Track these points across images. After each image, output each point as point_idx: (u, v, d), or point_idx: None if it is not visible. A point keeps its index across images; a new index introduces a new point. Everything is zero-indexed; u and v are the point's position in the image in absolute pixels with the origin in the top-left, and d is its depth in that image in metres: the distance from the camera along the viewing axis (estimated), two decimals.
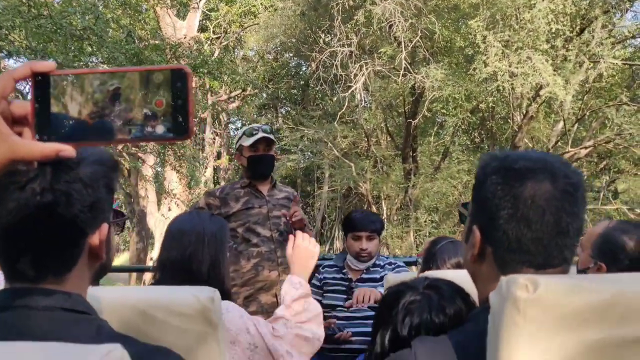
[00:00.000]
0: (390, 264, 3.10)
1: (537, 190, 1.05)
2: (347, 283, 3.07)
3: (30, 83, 0.72)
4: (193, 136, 0.76)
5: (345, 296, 3.05)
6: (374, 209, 17.48)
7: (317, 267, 3.42)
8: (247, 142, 3.06)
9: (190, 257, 1.85)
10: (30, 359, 0.69)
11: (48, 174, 0.87)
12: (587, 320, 0.84)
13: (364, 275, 3.06)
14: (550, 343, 0.83)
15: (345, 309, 2.98)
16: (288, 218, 3.00)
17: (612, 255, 1.79)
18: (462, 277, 1.35)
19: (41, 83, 0.72)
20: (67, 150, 0.70)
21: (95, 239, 0.96)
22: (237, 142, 3.20)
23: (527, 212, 1.05)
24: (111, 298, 1.31)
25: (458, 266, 2.00)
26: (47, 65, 0.71)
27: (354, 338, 2.91)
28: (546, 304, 0.83)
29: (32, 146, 0.69)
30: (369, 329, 1.45)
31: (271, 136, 3.09)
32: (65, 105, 0.71)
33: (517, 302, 0.83)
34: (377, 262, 3.09)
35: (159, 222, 13.18)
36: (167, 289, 1.53)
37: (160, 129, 0.71)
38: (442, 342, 1.06)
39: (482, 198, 1.12)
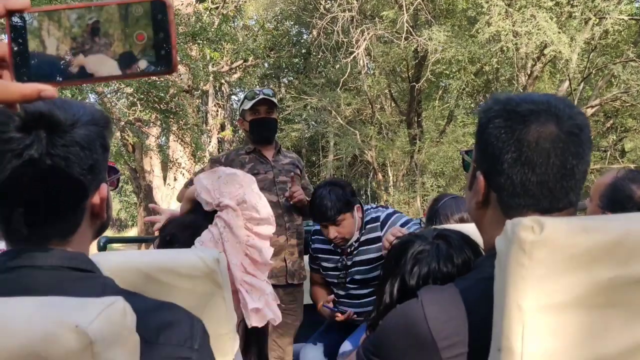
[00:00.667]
0: (380, 215, 2.86)
1: (542, 133, 1.02)
2: (338, 257, 2.95)
3: (5, 22, 0.70)
4: (177, 71, 0.74)
5: (338, 273, 2.95)
6: (379, 176, 17.49)
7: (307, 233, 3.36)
8: (248, 105, 3.03)
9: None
10: (33, 312, 0.68)
11: (44, 139, 0.86)
12: (594, 260, 0.82)
13: (354, 251, 2.89)
14: (558, 284, 0.82)
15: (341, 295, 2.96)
16: (288, 197, 2.98)
17: (620, 205, 1.77)
18: (467, 231, 1.34)
19: (17, 22, 0.69)
20: (48, 90, 0.67)
21: (95, 199, 0.96)
22: (240, 107, 3.17)
23: (531, 155, 1.03)
24: (116, 262, 1.30)
25: (461, 221, 1.98)
26: (21, 2, 0.69)
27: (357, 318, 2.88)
28: (553, 245, 0.81)
29: (11, 87, 0.67)
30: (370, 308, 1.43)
31: (272, 98, 3.05)
32: (44, 43, 0.69)
33: (523, 244, 0.82)
34: (367, 222, 2.87)
35: (165, 196, 13.23)
36: (172, 251, 1.53)
37: (143, 64, 0.69)
38: (449, 289, 1.05)
39: (485, 143, 1.09)
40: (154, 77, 9.69)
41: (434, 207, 2.15)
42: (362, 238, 2.87)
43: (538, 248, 0.81)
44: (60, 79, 0.69)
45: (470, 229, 1.29)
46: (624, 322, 0.84)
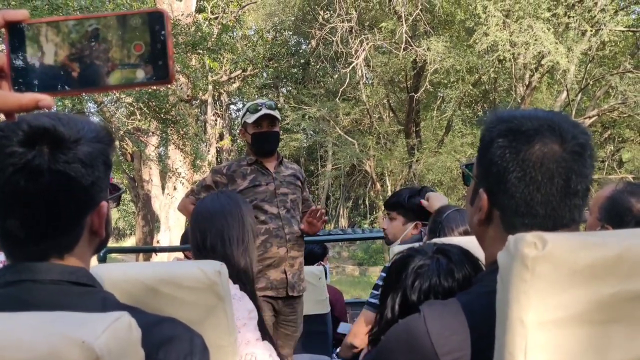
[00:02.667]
0: None
1: (546, 153, 1.03)
2: None
3: (4, 33, 0.71)
4: (174, 81, 0.74)
5: None
6: (378, 186, 17.51)
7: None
8: (251, 118, 3.03)
9: (226, 239, 1.90)
10: (39, 327, 0.68)
11: (46, 155, 0.86)
12: (596, 275, 0.83)
13: None
14: (560, 299, 0.82)
15: None
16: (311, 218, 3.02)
17: (619, 218, 1.77)
18: (470, 244, 1.34)
19: (15, 32, 0.70)
20: (46, 99, 0.67)
21: (95, 217, 0.96)
22: (242, 118, 3.17)
23: (536, 175, 1.03)
24: (117, 274, 1.31)
25: (466, 234, 1.98)
26: (20, 13, 0.69)
27: None
28: (555, 260, 0.82)
29: (9, 98, 0.67)
30: None
31: (275, 113, 3.05)
32: (42, 54, 0.70)
33: (526, 260, 0.82)
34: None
35: (164, 205, 13.21)
36: (173, 264, 1.53)
37: (140, 74, 0.70)
38: (451, 304, 1.05)
39: (488, 161, 1.09)
40: (153, 87, 9.70)
41: (437, 220, 2.15)
42: None
43: (540, 263, 0.82)
44: (58, 89, 0.70)
45: (473, 242, 1.29)
46: (625, 338, 0.84)
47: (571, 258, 0.82)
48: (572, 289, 0.82)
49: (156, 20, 0.70)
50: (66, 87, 0.70)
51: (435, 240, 1.62)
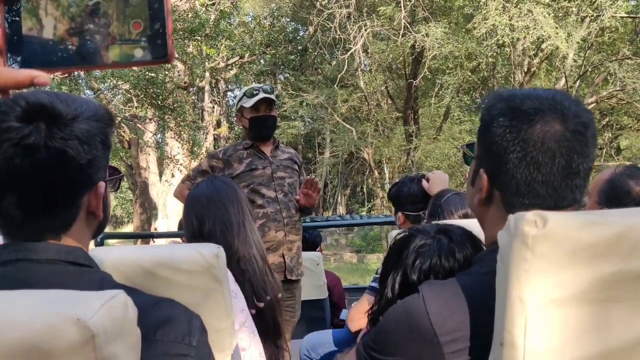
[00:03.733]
0: None
1: (547, 132, 1.01)
2: None
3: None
4: (173, 61, 0.73)
5: None
6: (376, 173, 17.51)
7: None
8: (248, 103, 3.02)
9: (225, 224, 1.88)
10: (34, 306, 0.68)
11: (43, 131, 0.85)
12: (596, 254, 0.82)
13: None
14: (560, 278, 0.82)
15: None
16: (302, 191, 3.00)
17: (618, 200, 1.77)
18: (469, 226, 1.34)
19: (11, 5, 0.68)
20: (42, 76, 0.66)
21: (92, 197, 0.94)
22: (238, 103, 3.15)
23: (537, 155, 1.02)
24: (115, 257, 1.30)
25: (465, 217, 1.98)
26: None
27: None
28: (555, 239, 0.81)
29: (4, 73, 0.66)
30: None
31: (272, 96, 3.04)
32: (39, 30, 0.68)
33: (526, 238, 0.82)
34: None
35: (161, 192, 13.21)
36: (171, 246, 1.52)
37: (139, 53, 0.68)
38: (450, 284, 1.04)
39: (489, 141, 1.08)
40: (151, 74, 9.63)
41: (437, 203, 2.14)
42: None
43: (541, 242, 0.81)
44: (55, 66, 0.68)
45: (473, 225, 1.28)
46: (626, 317, 0.84)
47: (572, 236, 0.81)
48: (573, 267, 0.82)
49: None
50: (62, 64, 0.69)
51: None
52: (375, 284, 2.38)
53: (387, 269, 1.29)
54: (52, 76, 0.71)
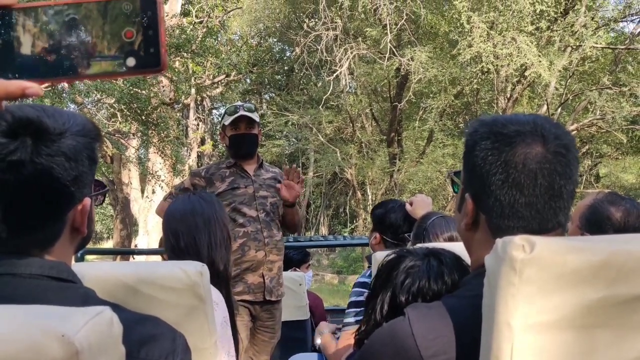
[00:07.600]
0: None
1: (528, 154, 1.03)
2: None
3: None
4: (166, 70, 0.72)
5: None
6: (359, 194, 17.55)
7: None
8: (228, 120, 3.02)
9: (200, 241, 1.87)
10: (18, 321, 0.66)
11: (29, 146, 0.84)
12: (582, 280, 0.83)
13: None
14: (547, 303, 0.82)
15: None
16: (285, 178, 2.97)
17: (598, 225, 1.80)
18: (455, 249, 1.34)
19: (2, 17, 0.67)
20: (33, 87, 0.65)
21: (77, 213, 0.93)
22: (222, 121, 3.16)
23: (518, 176, 1.03)
24: (97, 273, 1.28)
25: (450, 240, 1.98)
26: None
27: None
28: (543, 263, 0.82)
29: None
30: None
31: (252, 115, 3.03)
32: (31, 40, 0.67)
33: (514, 263, 0.82)
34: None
35: (143, 208, 13.09)
36: (155, 264, 1.51)
37: (131, 62, 0.67)
38: (436, 307, 1.04)
39: (472, 165, 1.10)
40: (136, 89, 9.57)
41: (423, 225, 2.14)
42: None
43: (528, 266, 0.82)
44: (45, 77, 0.67)
45: (458, 248, 1.29)
46: (611, 343, 0.84)
47: (559, 261, 0.82)
48: (559, 292, 0.82)
49: (148, 5, 0.67)
50: (54, 74, 0.68)
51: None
52: (350, 319, 2.35)
53: (376, 289, 1.29)
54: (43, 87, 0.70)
